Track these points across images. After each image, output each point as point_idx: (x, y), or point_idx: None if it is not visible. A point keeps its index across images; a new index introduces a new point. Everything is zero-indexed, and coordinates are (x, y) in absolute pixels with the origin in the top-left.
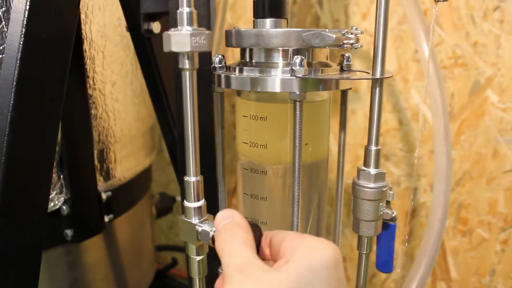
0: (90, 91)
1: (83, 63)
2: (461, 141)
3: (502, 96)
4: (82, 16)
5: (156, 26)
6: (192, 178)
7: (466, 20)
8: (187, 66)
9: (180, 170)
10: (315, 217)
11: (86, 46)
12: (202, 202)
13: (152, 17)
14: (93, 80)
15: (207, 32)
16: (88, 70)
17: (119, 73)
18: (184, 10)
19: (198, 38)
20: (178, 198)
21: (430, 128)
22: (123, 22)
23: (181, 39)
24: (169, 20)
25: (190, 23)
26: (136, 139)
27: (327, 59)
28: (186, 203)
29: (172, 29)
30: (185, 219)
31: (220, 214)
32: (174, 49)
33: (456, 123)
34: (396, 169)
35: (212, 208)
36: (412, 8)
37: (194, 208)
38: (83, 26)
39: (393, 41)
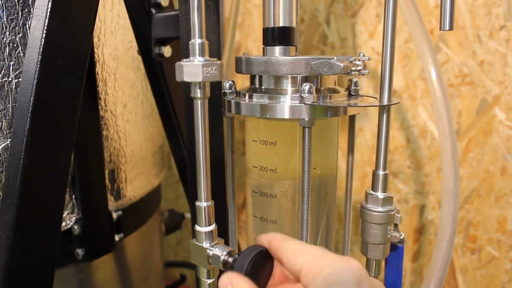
0: (101, 113)
1: (95, 86)
2: (469, 159)
3: (510, 114)
4: (95, 39)
5: (167, 50)
6: (204, 204)
7: (472, 39)
8: (198, 95)
9: (191, 194)
10: (324, 235)
11: (98, 68)
12: (213, 227)
13: (163, 42)
14: (105, 102)
15: (219, 62)
16: (100, 92)
17: (130, 94)
18: (196, 41)
19: (209, 68)
20: (187, 215)
21: (438, 145)
22: (134, 45)
23: (193, 69)
24: (180, 47)
25: (201, 53)
26: (146, 159)
27: (335, 85)
28: (197, 228)
29: (184, 59)
30: (196, 243)
31: (220, 284)
32: (187, 79)
33: (464, 141)
34: (404, 186)
35: (222, 230)
36: (418, 28)
37: (205, 232)
38: (95, 50)
39: (400, 59)
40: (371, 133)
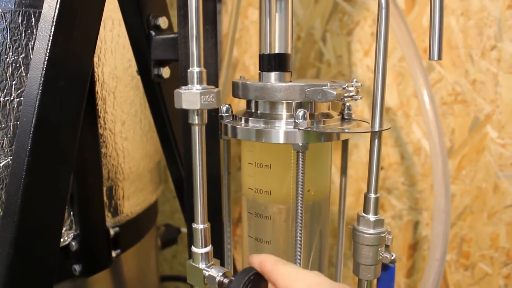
0: (100, 131)
1: (94, 104)
2: (462, 176)
3: (502, 132)
4: (95, 59)
5: (165, 71)
6: (200, 226)
7: (465, 59)
8: (196, 122)
9: (188, 213)
10: (317, 251)
11: (98, 87)
12: (209, 248)
13: (162, 63)
14: (104, 120)
15: (216, 90)
16: (99, 110)
17: (128, 112)
18: (195, 69)
19: (207, 96)
20: (183, 229)
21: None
22: (133, 64)
23: (191, 97)
24: (179, 69)
25: (199, 81)
26: (144, 176)
27: (328, 109)
28: (193, 249)
29: (183, 87)
30: (193, 264)
31: None
32: (185, 106)
33: (457, 158)
34: (398, 202)
35: (217, 251)
36: (410, 50)
37: (201, 253)
38: (95, 69)
39: (394, 77)
40: (366, 149)
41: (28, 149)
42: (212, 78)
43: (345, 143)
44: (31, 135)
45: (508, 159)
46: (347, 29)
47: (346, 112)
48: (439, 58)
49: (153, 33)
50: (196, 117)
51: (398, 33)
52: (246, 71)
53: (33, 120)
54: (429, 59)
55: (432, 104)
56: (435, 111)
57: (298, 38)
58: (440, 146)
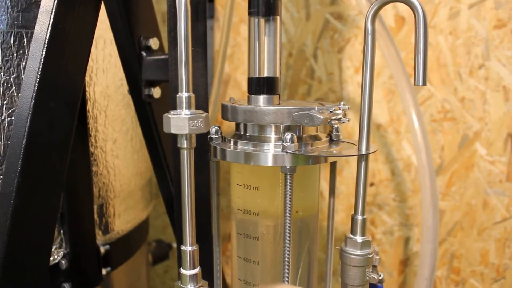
0: (92, 149)
1: (86, 123)
2: (452, 192)
3: (490, 150)
4: (87, 78)
5: (156, 92)
6: (189, 248)
7: (453, 76)
8: (185, 146)
9: (178, 232)
10: (305, 268)
11: (89, 106)
12: (197, 270)
13: (152, 83)
14: (95, 139)
15: (204, 115)
16: (90, 129)
17: (120, 130)
18: (183, 95)
19: (195, 121)
20: (174, 245)
21: None
22: (125, 82)
23: (180, 122)
24: (169, 89)
25: (188, 106)
26: (135, 193)
27: (317, 132)
28: (182, 271)
29: (172, 112)
30: (181, 285)
31: None
32: (174, 131)
33: (447, 175)
34: (389, 218)
35: (206, 273)
36: (398, 69)
37: (189, 275)
38: (87, 88)
39: (385, 95)
40: None
41: (18, 170)
42: (202, 99)
43: (333, 164)
44: (21, 156)
45: (497, 176)
46: (338, 46)
47: (334, 133)
48: (424, 83)
49: (144, 54)
50: (185, 141)
51: (386, 53)
52: (238, 87)
53: (24, 141)
54: (414, 84)
55: (420, 124)
56: (423, 130)
57: (289, 55)
58: (428, 167)
